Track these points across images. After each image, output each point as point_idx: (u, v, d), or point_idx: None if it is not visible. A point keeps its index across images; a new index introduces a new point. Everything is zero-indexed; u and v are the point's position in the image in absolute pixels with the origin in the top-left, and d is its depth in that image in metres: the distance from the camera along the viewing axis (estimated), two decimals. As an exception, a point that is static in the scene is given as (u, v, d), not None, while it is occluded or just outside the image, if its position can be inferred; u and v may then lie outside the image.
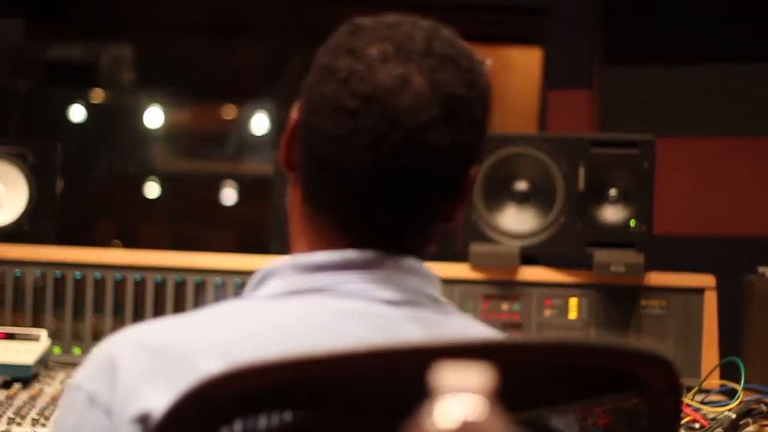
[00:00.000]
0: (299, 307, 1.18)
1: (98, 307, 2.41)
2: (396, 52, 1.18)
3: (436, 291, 1.24)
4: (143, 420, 1.10)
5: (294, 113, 1.25)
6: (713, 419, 1.95)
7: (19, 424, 1.95)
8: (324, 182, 1.21)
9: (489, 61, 1.28)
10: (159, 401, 1.08)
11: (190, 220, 7.16)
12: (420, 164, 1.18)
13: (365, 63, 1.18)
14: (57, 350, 2.38)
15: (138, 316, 2.39)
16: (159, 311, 2.38)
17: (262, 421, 1.03)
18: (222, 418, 1.03)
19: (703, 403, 2.01)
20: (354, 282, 1.19)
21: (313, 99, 1.21)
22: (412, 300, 1.21)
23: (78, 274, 2.41)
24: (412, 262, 1.23)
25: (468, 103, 1.20)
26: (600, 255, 2.40)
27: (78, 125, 6.60)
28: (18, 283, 2.42)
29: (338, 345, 1.12)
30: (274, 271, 1.22)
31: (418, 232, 1.24)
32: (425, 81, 1.18)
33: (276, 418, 1.03)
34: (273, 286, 1.21)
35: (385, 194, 1.19)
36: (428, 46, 1.20)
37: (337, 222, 1.22)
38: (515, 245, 2.44)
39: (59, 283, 2.41)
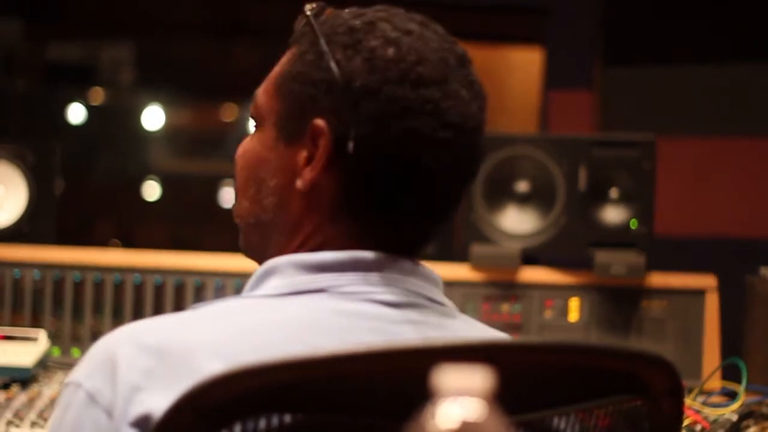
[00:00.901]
0: (300, 308, 1.17)
1: (98, 309, 2.41)
2: (441, 68, 1.20)
3: (439, 293, 1.24)
4: (143, 422, 1.09)
5: (325, 139, 1.20)
6: (714, 421, 1.95)
7: (17, 426, 1.94)
8: (382, 198, 1.20)
9: None
10: (160, 402, 1.08)
11: (189, 221, 7.15)
12: (474, 176, 1.26)
13: (438, 90, 1.19)
14: (56, 352, 2.38)
15: (137, 317, 2.38)
16: (158, 312, 2.38)
17: (262, 423, 1.02)
18: (221, 421, 1.02)
19: (704, 404, 2.01)
20: (355, 284, 1.19)
21: (392, 132, 1.18)
22: (414, 303, 1.20)
23: (77, 275, 2.41)
24: (414, 264, 1.22)
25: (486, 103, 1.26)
26: (601, 256, 2.40)
27: (77, 125, 6.59)
28: (17, 285, 2.41)
29: (338, 346, 1.12)
30: (275, 269, 1.21)
31: (430, 236, 1.25)
32: (475, 96, 1.22)
33: (275, 420, 1.02)
34: (274, 284, 1.20)
35: (443, 206, 1.24)
36: (453, 50, 1.23)
37: (364, 228, 1.21)
38: (516, 246, 2.43)
39: (58, 284, 2.41)
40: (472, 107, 1.22)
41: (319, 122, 1.20)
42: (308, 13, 1.24)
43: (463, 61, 1.23)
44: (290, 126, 1.23)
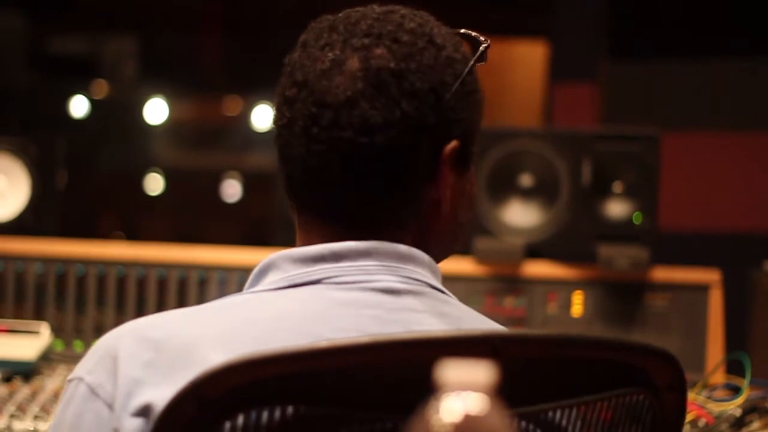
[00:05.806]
0: (297, 299, 1.18)
1: (101, 302, 2.41)
2: (338, 39, 1.22)
3: (435, 279, 1.23)
4: (144, 412, 1.10)
5: None
6: (718, 416, 1.94)
7: (20, 419, 1.94)
8: (287, 174, 1.24)
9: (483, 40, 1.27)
10: (161, 393, 1.08)
11: (192, 214, 7.16)
12: (353, 141, 1.19)
13: (308, 54, 1.22)
14: (59, 345, 2.38)
15: (140, 310, 2.38)
16: (162, 305, 2.38)
17: (264, 414, 1.02)
18: (224, 411, 1.02)
19: (708, 399, 2.00)
20: (351, 273, 1.19)
21: (275, 96, 1.26)
22: (413, 290, 1.20)
23: (80, 268, 2.40)
24: (408, 249, 1.21)
25: (401, 74, 1.19)
26: (605, 250, 2.39)
27: (81, 118, 6.60)
28: (20, 278, 2.41)
29: (339, 336, 1.12)
30: (272, 264, 1.22)
31: (396, 216, 1.22)
32: (357, 60, 1.20)
33: (277, 411, 1.02)
34: (271, 279, 1.21)
35: (330, 177, 1.20)
36: (370, 27, 1.22)
37: (312, 213, 1.24)
38: (519, 240, 2.43)
39: (61, 277, 2.40)
40: (338, 69, 1.19)
41: None
42: None
43: (372, 34, 1.21)
44: None
